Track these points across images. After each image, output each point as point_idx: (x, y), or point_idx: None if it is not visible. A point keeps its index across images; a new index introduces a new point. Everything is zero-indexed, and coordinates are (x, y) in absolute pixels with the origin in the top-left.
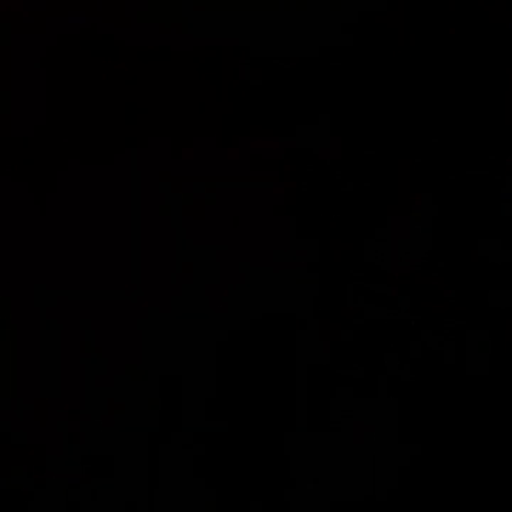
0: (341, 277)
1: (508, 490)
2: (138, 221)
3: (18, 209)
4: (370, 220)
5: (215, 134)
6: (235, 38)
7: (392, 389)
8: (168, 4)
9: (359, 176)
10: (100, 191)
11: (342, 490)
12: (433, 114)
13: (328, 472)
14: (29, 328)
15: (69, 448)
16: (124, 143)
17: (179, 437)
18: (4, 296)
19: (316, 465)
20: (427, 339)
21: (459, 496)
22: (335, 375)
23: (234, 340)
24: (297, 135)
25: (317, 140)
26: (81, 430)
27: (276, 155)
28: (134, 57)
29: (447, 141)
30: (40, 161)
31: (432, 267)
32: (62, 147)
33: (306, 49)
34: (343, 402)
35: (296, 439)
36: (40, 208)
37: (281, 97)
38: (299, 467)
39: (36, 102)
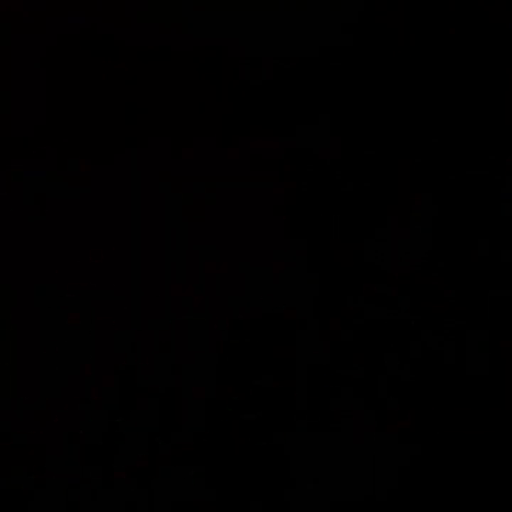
0: (341, 277)
1: (508, 490)
2: (138, 221)
3: (18, 208)
4: (370, 220)
5: (215, 134)
6: (235, 38)
7: (392, 389)
8: (168, 4)
9: (359, 175)
10: (100, 191)
11: (342, 490)
12: (433, 114)
13: (328, 472)
14: (29, 327)
15: (69, 448)
16: (124, 143)
17: (179, 437)
18: (5, 296)
19: (316, 465)
20: (427, 339)
21: (459, 496)
22: (335, 375)
23: (234, 340)
24: (297, 135)
25: (317, 140)
26: (81, 430)
27: (276, 155)
28: (134, 57)
29: (447, 141)
30: (40, 161)
31: (432, 267)
32: (62, 147)
33: (306, 49)
34: (343, 402)
35: (296, 439)
36: (40, 208)
37: (281, 97)
38: (299, 467)
39: (36, 102)
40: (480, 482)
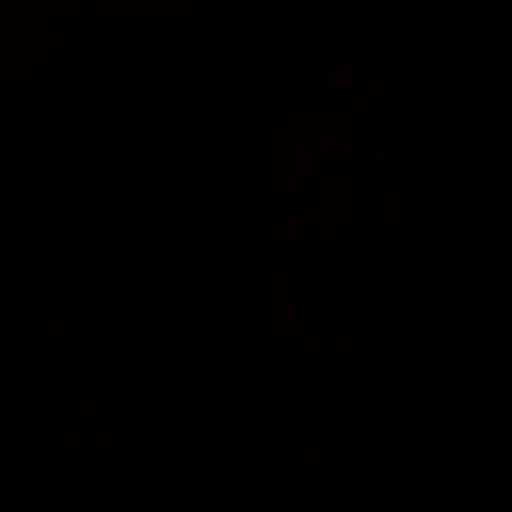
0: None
1: (508, 490)
2: None
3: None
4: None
5: None
6: None
7: (393, 389)
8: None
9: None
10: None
11: (343, 490)
12: (433, 117)
13: (329, 472)
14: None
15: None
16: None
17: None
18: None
19: (319, 465)
20: (427, 339)
21: (459, 496)
22: (336, 377)
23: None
24: None
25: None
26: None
27: None
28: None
29: (447, 143)
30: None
31: (432, 268)
32: None
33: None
34: (343, 402)
35: (299, 441)
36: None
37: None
38: (303, 468)
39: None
40: (480, 481)
